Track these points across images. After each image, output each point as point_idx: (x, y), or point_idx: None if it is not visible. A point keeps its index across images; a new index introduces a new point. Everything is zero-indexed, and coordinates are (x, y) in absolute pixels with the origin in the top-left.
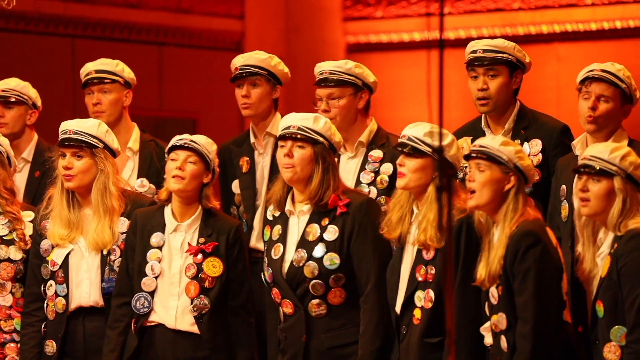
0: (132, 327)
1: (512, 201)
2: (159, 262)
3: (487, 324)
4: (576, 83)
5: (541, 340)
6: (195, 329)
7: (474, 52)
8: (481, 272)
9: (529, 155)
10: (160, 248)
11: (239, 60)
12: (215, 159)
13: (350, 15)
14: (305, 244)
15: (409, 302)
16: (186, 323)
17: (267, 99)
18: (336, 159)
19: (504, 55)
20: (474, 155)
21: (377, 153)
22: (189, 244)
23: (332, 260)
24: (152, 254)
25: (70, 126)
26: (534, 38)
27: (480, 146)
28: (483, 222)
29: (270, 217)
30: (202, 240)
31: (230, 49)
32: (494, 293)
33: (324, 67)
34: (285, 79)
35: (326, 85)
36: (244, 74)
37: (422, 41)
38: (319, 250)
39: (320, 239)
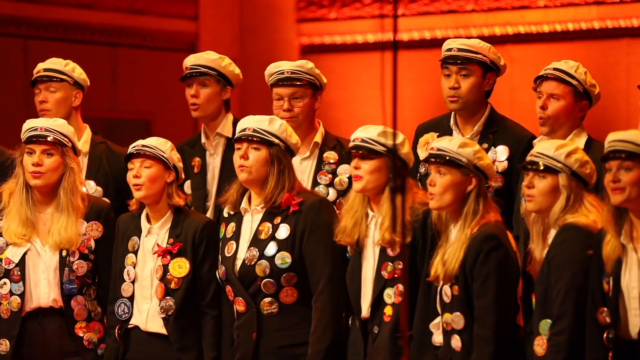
0: (116, 333)
1: (473, 203)
2: (134, 267)
3: (437, 320)
4: (530, 84)
5: (500, 345)
6: (163, 330)
7: (449, 50)
8: (437, 267)
9: (494, 162)
10: (135, 252)
11: (190, 60)
12: (173, 156)
13: (304, 16)
14: (257, 242)
15: (378, 302)
16: (156, 325)
17: (216, 99)
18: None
19: (478, 55)
20: (432, 159)
21: (332, 155)
22: (158, 246)
23: (283, 259)
24: (128, 259)
25: (40, 124)
26: (487, 40)
27: (439, 149)
28: (443, 219)
29: (225, 215)
30: (170, 241)
31: (184, 50)
32: (447, 291)
33: (284, 67)
34: (236, 80)
35: (290, 84)
36: (194, 74)
37: (376, 43)
38: (270, 249)
39: (272, 237)
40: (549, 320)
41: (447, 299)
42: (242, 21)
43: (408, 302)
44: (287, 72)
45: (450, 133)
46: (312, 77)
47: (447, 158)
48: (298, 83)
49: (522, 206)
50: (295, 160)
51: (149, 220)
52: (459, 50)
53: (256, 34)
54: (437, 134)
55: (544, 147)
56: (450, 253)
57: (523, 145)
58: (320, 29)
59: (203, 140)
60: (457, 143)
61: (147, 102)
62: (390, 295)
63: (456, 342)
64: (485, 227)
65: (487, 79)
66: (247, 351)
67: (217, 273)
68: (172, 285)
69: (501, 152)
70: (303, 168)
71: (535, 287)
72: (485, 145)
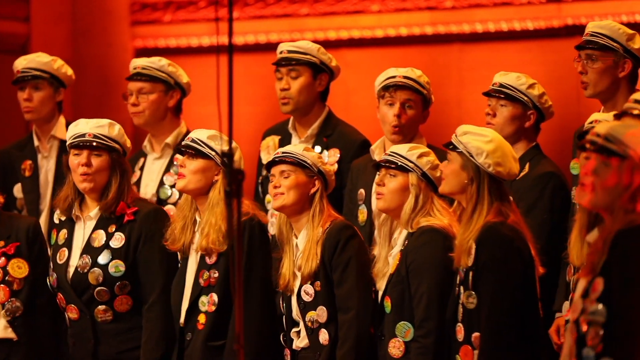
0: None
1: (318, 204)
2: None
3: (297, 328)
4: (375, 88)
5: (364, 328)
6: (9, 334)
7: (281, 52)
8: (285, 276)
9: (326, 163)
10: None
11: (21, 63)
12: None
13: (138, 19)
14: (90, 249)
15: (193, 308)
16: None
17: (49, 102)
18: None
19: (306, 56)
20: (277, 160)
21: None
22: None
23: (117, 267)
24: None
25: None
26: (322, 44)
27: (284, 152)
28: (283, 232)
29: (57, 221)
30: (1, 243)
31: (15, 52)
32: (308, 290)
33: (137, 63)
34: (69, 82)
35: (137, 79)
36: (27, 78)
37: (211, 46)
38: (104, 257)
39: (106, 245)
40: (407, 323)
41: (308, 298)
42: (75, 23)
43: (242, 307)
44: (139, 67)
45: (289, 136)
46: (162, 74)
47: (293, 159)
48: (146, 78)
49: (363, 213)
50: (149, 160)
51: None
52: (289, 52)
53: (89, 37)
54: (279, 137)
55: (397, 147)
56: (305, 254)
57: (354, 148)
58: (155, 32)
59: (36, 143)
60: (301, 147)
61: None
62: (204, 302)
63: (324, 336)
64: (338, 221)
65: (318, 80)
66: (85, 359)
67: (47, 280)
68: (15, 287)
69: (333, 155)
70: (155, 168)
71: (389, 289)
72: (319, 149)
